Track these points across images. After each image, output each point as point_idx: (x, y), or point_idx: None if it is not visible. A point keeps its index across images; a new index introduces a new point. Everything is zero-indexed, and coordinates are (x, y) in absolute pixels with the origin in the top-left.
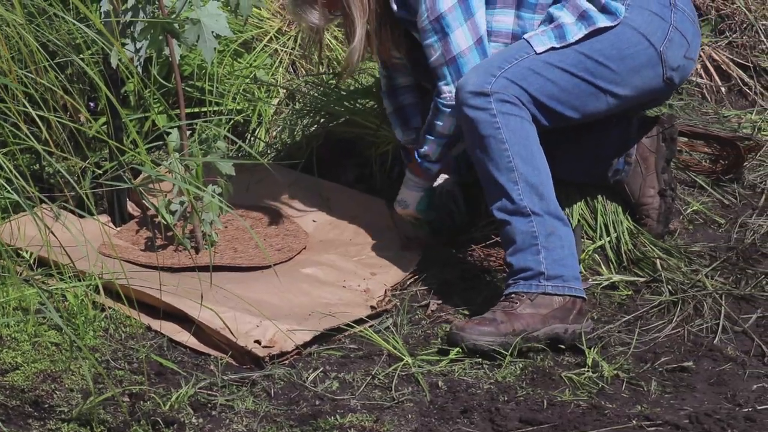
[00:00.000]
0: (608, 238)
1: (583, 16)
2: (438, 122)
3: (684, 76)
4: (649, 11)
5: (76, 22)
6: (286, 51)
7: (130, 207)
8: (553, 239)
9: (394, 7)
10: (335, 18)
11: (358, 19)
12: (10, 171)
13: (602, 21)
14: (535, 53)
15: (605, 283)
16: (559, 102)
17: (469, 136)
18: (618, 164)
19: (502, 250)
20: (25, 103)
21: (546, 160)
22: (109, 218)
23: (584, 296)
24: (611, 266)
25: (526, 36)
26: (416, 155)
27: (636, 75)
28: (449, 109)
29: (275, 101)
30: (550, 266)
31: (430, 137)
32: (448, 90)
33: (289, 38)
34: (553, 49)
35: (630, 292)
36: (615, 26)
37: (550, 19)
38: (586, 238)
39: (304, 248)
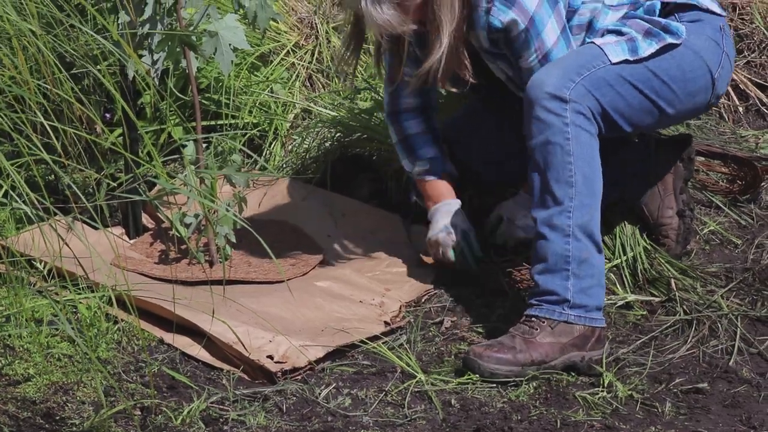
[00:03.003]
0: (624, 258)
1: (650, 33)
2: None
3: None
4: (706, 36)
5: (93, 33)
6: (303, 65)
7: (145, 219)
8: (584, 267)
9: (485, 44)
10: (408, 26)
11: (446, 25)
12: (20, 184)
13: (670, 38)
14: (610, 63)
15: (620, 302)
16: (621, 116)
17: (533, 135)
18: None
19: (518, 269)
20: (39, 114)
21: (602, 183)
22: (124, 230)
23: (604, 325)
24: (627, 285)
25: (598, 42)
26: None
27: (691, 98)
28: None
29: (291, 115)
30: (576, 295)
31: None
32: None
33: (306, 52)
34: (627, 61)
35: (645, 312)
36: (679, 46)
37: (617, 32)
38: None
39: (319, 263)
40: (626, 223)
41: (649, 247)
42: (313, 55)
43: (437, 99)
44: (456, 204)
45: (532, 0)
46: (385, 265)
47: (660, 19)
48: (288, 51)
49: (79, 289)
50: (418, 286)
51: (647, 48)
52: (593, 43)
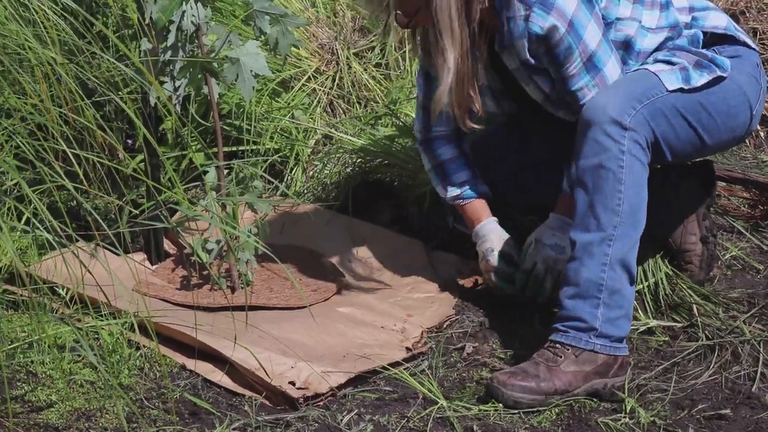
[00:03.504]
0: (646, 283)
1: (700, 64)
2: None
3: None
4: (747, 72)
5: (114, 60)
6: (324, 91)
7: (167, 245)
8: (616, 298)
9: (524, 55)
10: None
11: (449, 50)
12: (43, 211)
13: (718, 71)
14: (667, 91)
15: (642, 328)
16: (669, 146)
17: (586, 156)
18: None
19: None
20: (61, 142)
21: (645, 216)
22: (146, 256)
23: (627, 353)
24: (649, 311)
25: (652, 69)
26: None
27: (730, 132)
28: None
29: (312, 141)
30: (604, 324)
31: None
32: None
33: (327, 78)
34: (681, 91)
35: (667, 338)
36: (725, 79)
37: (667, 62)
38: None
39: (340, 289)
40: (648, 248)
41: (670, 272)
42: (334, 80)
43: None
44: (490, 223)
45: (569, 4)
46: (406, 291)
47: (707, 52)
48: (309, 77)
49: (102, 315)
50: (440, 312)
51: (699, 78)
52: (647, 69)
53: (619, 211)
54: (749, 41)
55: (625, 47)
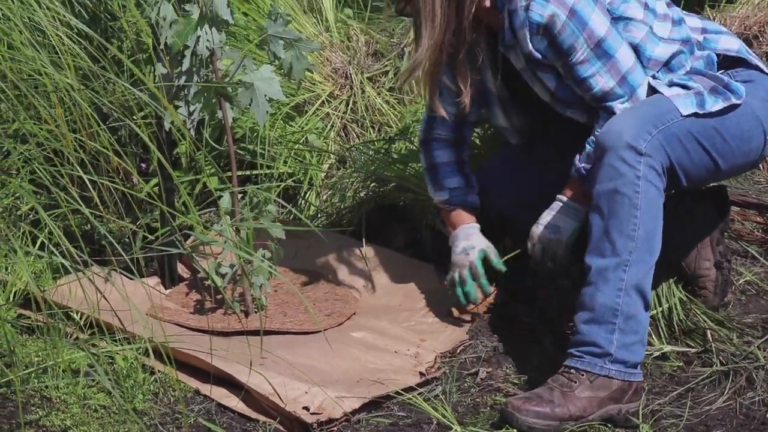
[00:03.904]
0: (660, 309)
1: (715, 90)
2: None
3: None
4: (760, 97)
5: (129, 86)
6: (337, 115)
7: (180, 269)
8: (631, 323)
9: (527, 47)
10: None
11: (426, 31)
12: (59, 237)
13: (733, 98)
14: (681, 116)
15: (657, 353)
16: (684, 171)
17: (602, 181)
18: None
19: (551, 320)
20: (77, 167)
21: (661, 242)
22: (159, 280)
23: (642, 379)
24: (663, 336)
25: (666, 93)
26: (585, 174)
27: (744, 157)
28: None
29: (326, 165)
30: (618, 350)
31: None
32: (623, 106)
33: (341, 102)
34: (695, 115)
35: (681, 363)
36: (740, 105)
37: (683, 86)
38: None
39: (354, 313)
40: (662, 273)
41: (684, 297)
42: (347, 105)
43: (471, 136)
44: (475, 227)
45: None
46: (420, 316)
47: (723, 77)
48: (323, 101)
49: (116, 339)
50: (454, 337)
51: (714, 104)
52: (662, 94)
53: (635, 236)
54: (762, 65)
55: (635, 51)
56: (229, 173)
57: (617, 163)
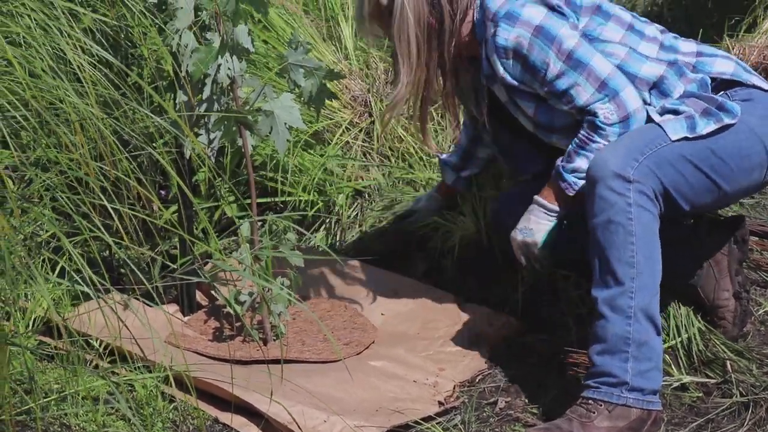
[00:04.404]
0: (679, 339)
1: (707, 112)
2: (597, 138)
3: None
4: (758, 114)
5: (151, 114)
6: (357, 143)
7: (199, 296)
8: (644, 350)
9: (501, 71)
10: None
11: (404, 61)
12: (82, 265)
13: (726, 118)
14: (671, 141)
15: (676, 384)
16: (681, 195)
17: (595, 214)
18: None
19: (569, 348)
20: (101, 196)
21: (661, 264)
22: (178, 307)
23: (660, 408)
24: (682, 367)
25: (657, 120)
26: (562, 172)
27: (746, 176)
28: (610, 126)
29: (345, 193)
30: (634, 378)
31: (584, 152)
32: (605, 107)
33: (361, 130)
34: (686, 139)
35: (701, 394)
36: (735, 124)
37: (674, 111)
38: None
39: (373, 342)
40: (680, 304)
41: (703, 328)
42: (367, 133)
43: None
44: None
45: (535, 14)
46: (439, 345)
47: (716, 97)
48: (343, 129)
49: (136, 367)
50: (473, 366)
51: (705, 126)
52: (653, 122)
53: (634, 262)
54: (764, 84)
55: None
56: (248, 200)
57: (606, 193)
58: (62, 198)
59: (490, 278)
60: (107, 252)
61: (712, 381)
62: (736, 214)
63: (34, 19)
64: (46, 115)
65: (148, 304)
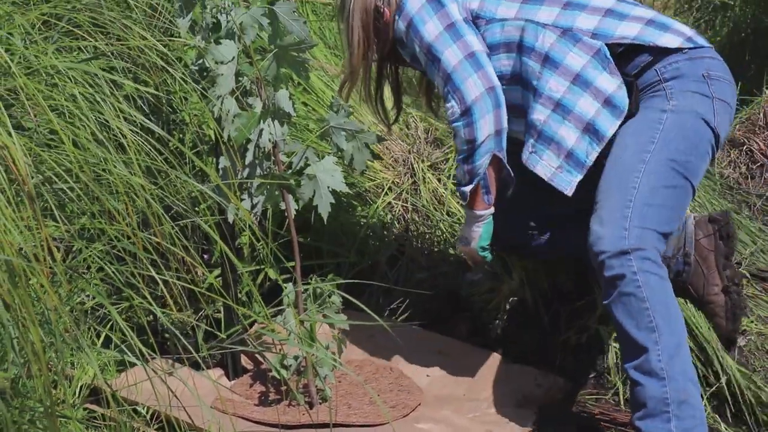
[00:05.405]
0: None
1: (588, 129)
2: (455, 140)
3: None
4: (691, 91)
5: (194, 181)
6: (399, 204)
7: (244, 360)
8: (685, 408)
9: (416, 65)
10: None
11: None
12: (131, 337)
13: (603, 128)
14: (637, 184)
15: None
16: (672, 220)
17: (608, 295)
18: (677, 265)
19: (616, 409)
20: (150, 267)
21: (683, 319)
22: (223, 372)
23: None
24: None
25: (547, 179)
26: (456, 187)
27: (703, 160)
28: (455, 122)
29: (388, 254)
30: None
31: (457, 159)
32: (450, 104)
33: (403, 190)
34: (644, 164)
35: None
36: (667, 114)
37: (549, 141)
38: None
39: (419, 404)
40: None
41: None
42: (410, 193)
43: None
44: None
45: (414, 5)
46: (485, 406)
47: (604, 90)
48: (385, 190)
49: None
50: (520, 427)
51: (588, 155)
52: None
53: (653, 326)
54: (672, 40)
55: (519, 49)
56: (292, 263)
57: (611, 273)
58: (110, 269)
59: (537, 338)
60: (150, 316)
61: None
62: (721, 211)
63: (79, 92)
64: (93, 186)
65: (194, 370)
